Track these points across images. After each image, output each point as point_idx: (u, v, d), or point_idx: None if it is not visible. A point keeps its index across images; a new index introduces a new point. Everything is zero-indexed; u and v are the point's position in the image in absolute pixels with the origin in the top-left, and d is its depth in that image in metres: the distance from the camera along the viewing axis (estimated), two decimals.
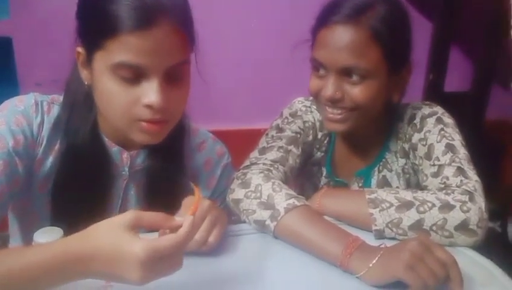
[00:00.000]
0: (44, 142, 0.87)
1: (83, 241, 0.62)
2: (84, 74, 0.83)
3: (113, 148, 0.91)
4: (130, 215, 0.63)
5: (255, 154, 1.05)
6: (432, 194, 0.89)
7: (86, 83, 0.83)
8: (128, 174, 0.94)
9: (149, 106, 0.77)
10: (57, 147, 0.88)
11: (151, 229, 0.71)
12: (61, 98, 0.90)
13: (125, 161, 0.92)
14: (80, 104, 0.86)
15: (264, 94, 2.19)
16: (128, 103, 0.78)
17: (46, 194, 0.89)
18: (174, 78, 0.79)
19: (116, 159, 0.92)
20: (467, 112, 2.19)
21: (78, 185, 0.86)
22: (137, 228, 0.62)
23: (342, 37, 0.94)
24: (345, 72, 0.96)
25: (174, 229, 0.65)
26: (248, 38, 2.13)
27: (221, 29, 1.98)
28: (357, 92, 0.96)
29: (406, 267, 0.72)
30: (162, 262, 0.61)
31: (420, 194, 0.89)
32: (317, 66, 0.99)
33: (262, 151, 1.04)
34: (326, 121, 1.03)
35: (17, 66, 1.89)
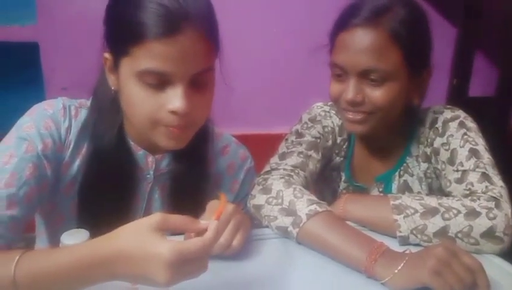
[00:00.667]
0: (71, 145, 0.88)
1: (110, 244, 0.62)
2: (111, 79, 0.84)
3: (139, 152, 0.92)
4: (156, 217, 0.63)
5: (275, 159, 1.04)
6: (457, 200, 0.88)
7: (112, 88, 0.85)
8: (153, 178, 0.94)
9: (174, 112, 0.78)
10: (83, 150, 0.89)
11: (177, 232, 0.71)
12: (88, 102, 0.92)
13: (150, 165, 0.93)
14: (106, 109, 0.87)
15: (283, 98, 2.18)
16: (153, 108, 0.78)
17: (72, 197, 0.90)
18: (199, 84, 0.80)
19: (142, 163, 0.93)
20: (491, 117, 2.15)
21: (103, 188, 0.87)
22: (163, 230, 0.62)
23: (362, 39, 0.94)
24: (366, 75, 0.96)
25: (200, 232, 0.65)
26: (266, 42, 2.13)
27: (238, 32, 1.97)
28: (377, 94, 0.96)
29: (432, 273, 0.71)
30: (188, 264, 0.61)
31: (445, 201, 0.88)
32: (337, 70, 0.99)
33: (283, 156, 1.04)
34: (346, 122, 1.02)
35: (43, 70, 1.91)
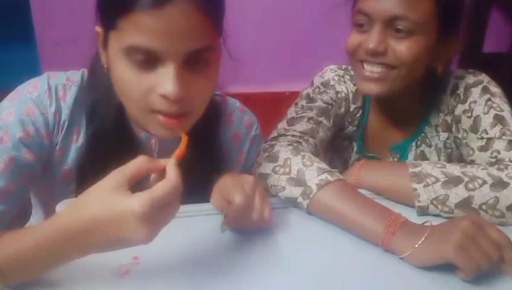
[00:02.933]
0: (63, 129, 0.81)
1: (74, 215, 0.57)
2: (103, 55, 0.75)
3: (140, 134, 0.84)
4: (114, 175, 0.58)
5: (283, 124, 0.97)
6: (482, 169, 0.81)
7: (105, 66, 0.75)
8: None
9: (164, 97, 0.68)
10: (79, 134, 0.82)
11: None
12: (77, 75, 0.83)
13: (154, 147, 0.85)
14: (105, 88, 0.78)
15: (289, 55, 2.08)
16: (142, 91, 0.68)
17: (70, 183, 0.83)
18: (197, 65, 0.69)
19: (145, 145, 0.85)
20: (506, 73, 2.09)
21: (104, 173, 0.80)
22: (126, 184, 0.57)
23: None
24: (392, 24, 0.88)
25: (161, 172, 0.60)
26: None
27: None
28: (402, 47, 0.88)
29: (457, 248, 0.65)
30: (161, 212, 0.56)
31: (469, 169, 0.81)
32: (360, 18, 0.91)
33: (291, 121, 0.97)
34: (361, 81, 0.94)
35: (35, 25, 1.79)
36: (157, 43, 0.65)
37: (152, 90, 0.68)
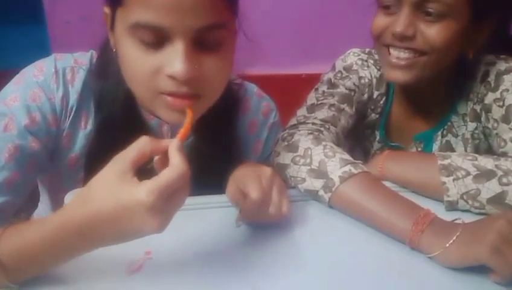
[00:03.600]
0: (71, 115, 0.77)
1: (80, 209, 0.54)
2: (111, 38, 0.70)
3: (151, 121, 0.80)
4: (116, 162, 0.55)
5: (302, 111, 0.92)
6: None
7: (114, 50, 0.70)
8: None
9: (172, 77, 0.63)
10: (88, 119, 0.78)
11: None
12: (85, 58, 0.79)
13: (166, 134, 0.81)
14: (115, 73, 0.73)
15: (307, 36, 2.00)
16: (149, 71, 0.64)
17: (78, 171, 0.80)
18: (209, 44, 0.65)
19: (156, 133, 0.80)
20: None
21: None
22: (130, 170, 0.54)
23: None
24: (422, 7, 0.82)
25: (165, 152, 0.57)
26: None
27: None
28: (432, 31, 0.83)
29: (493, 250, 0.60)
30: (170, 199, 0.53)
31: (503, 163, 0.76)
32: (386, 0, 0.85)
33: (312, 108, 0.92)
34: (387, 68, 0.89)
35: (45, 3, 1.75)
36: (165, 19, 0.60)
37: (160, 71, 0.64)
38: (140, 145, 0.56)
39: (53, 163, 0.79)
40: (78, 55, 0.80)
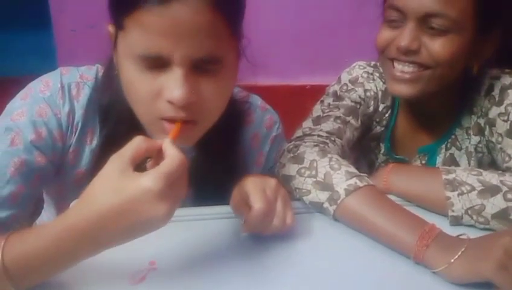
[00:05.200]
0: (78, 131, 0.77)
1: (83, 212, 0.54)
2: (115, 56, 0.71)
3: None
4: (115, 161, 0.56)
5: (308, 123, 0.93)
6: None
7: (116, 68, 0.71)
8: None
9: (171, 102, 0.64)
10: (92, 135, 0.78)
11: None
12: (91, 73, 0.79)
13: None
14: (120, 89, 0.72)
15: (311, 46, 1.99)
16: (150, 95, 0.64)
17: (84, 186, 0.80)
18: (209, 69, 0.64)
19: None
20: None
21: None
22: (130, 167, 0.55)
23: None
24: (426, 21, 0.83)
25: (158, 153, 0.58)
26: None
27: None
28: (437, 46, 0.83)
29: (498, 267, 0.60)
30: (174, 186, 0.54)
31: (508, 178, 0.76)
32: (392, 14, 0.86)
33: (317, 120, 0.92)
34: (391, 81, 0.89)
35: (51, 11, 1.76)
36: (164, 47, 0.61)
37: (160, 95, 0.64)
38: (136, 143, 0.57)
39: (59, 178, 0.79)
40: (84, 69, 0.80)
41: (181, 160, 0.55)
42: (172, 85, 0.62)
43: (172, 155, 0.56)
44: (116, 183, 0.53)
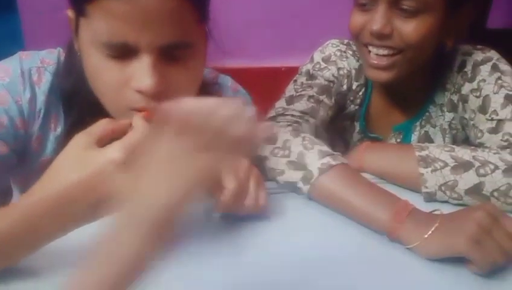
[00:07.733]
0: (40, 117, 0.73)
1: (50, 187, 0.54)
2: (76, 43, 0.67)
3: None
4: (79, 137, 0.56)
5: (281, 103, 0.91)
6: (494, 153, 0.76)
7: (78, 54, 0.67)
8: None
9: (140, 91, 0.61)
10: (58, 121, 0.75)
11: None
12: (52, 56, 0.75)
13: None
14: (83, 74, 0.69)
15: (286, 27, 1.98)
16: (116, 85, 0.62)
17: None
18: (178, 54, 0.62)
19: None
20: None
21: None
22: (94, 144, 0.55)
23: None
24: (397, 3, 0.81)
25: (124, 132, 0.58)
26: None
27: None
28: (409, 28, 0.82)
29: (471, 241, 0.60)
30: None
31: (480, 154, 0.76)
32: None
33: (290, 100, 0.91)
34: (368, 68, 0.89)
35: None
36: (130, 34, 0.58)
37: (127, 84, 0.61)
38: (102, 123, 0.57)
39: (24, 166, 0.75)
40: (45, 53, 0.76)
41: (146, 130, 0.54)
42: (141, 74, 0.60)
43: (138, 127, 0.55)
44: (80, 158, 0.53)
